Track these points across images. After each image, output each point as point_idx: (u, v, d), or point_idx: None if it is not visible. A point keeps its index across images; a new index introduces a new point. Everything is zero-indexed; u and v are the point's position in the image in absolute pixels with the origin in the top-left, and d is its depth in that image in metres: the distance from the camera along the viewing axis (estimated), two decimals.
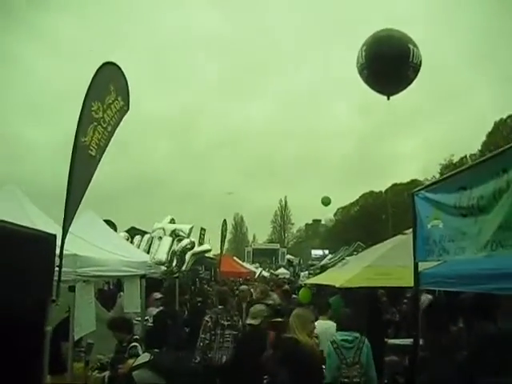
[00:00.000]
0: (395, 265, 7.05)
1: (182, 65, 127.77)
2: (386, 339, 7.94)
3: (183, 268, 12.04)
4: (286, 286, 14.63)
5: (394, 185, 60.72)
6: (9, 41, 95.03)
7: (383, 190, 63.86)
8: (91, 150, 4.82)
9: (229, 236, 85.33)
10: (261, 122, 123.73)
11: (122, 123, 5.61)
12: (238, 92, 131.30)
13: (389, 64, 10.69)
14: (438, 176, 47.92)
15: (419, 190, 6.10)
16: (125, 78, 5.70)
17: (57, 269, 4.10)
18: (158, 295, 10.20)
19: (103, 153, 5.15)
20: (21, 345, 3.37)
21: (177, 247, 10.85)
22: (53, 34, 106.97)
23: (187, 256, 12.60)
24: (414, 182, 57.60)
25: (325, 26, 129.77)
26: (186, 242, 11.16)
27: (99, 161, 5.09)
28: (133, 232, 14.33)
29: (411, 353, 8.20)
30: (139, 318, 8.67)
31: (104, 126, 5.07)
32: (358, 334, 5.76)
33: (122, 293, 10.50)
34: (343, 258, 19.40)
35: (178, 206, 75.49)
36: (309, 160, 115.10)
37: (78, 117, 4.57)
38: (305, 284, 14.81)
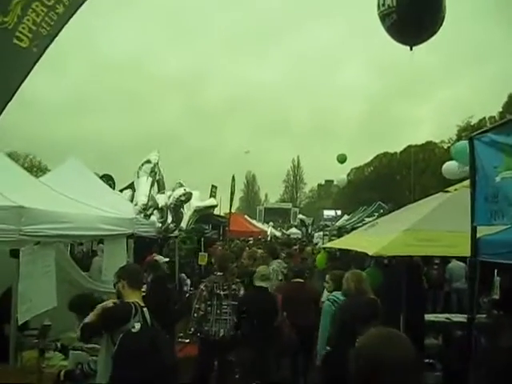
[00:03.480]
0: (443, 229, 5.68)
1: (195, 24, 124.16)
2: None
3: (183, 226, 10.62)
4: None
5: (409, 146, 59.12)
6: None
7: (398, 151, 62.88)
8: (20, 39, 3.09)
9: (240, 194, 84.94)
10: (275, 82, 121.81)
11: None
12: (252, 51, 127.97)
13: (422, 11, 9.63)
14: (455, 138, 46.01)
15: (482, 132, 4.68)
16: None
17: None
18: (162, 258, 8.80)
19: (47, 45, 3.34)
20: None
21: (170, 200, 9.03)
22: None
23: (189, 212, 11.21)
24: (429, 144, 56.54)
25: None
26: (179, 192, 9.08)
27: (39, 55, 3.30)
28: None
29: (449, 333, 7.09)
30: None
31: (49, 3, 3.23)
32: None
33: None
34: (362, 219, 18.19)
35: (189, 165, 74.21)
36: (323, 121, 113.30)
37: None
38: (323, 248, 13.44)
